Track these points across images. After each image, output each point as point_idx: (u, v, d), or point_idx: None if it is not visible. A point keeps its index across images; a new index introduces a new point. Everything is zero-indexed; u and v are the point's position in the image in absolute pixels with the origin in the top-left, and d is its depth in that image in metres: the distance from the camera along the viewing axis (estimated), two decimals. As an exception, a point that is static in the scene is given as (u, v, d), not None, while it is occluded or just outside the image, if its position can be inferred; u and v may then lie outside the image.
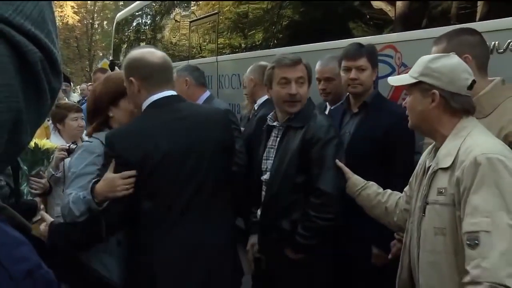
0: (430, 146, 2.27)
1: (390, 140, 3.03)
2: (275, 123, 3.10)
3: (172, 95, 2.48)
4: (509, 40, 2.73)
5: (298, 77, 2.93)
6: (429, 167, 2.12)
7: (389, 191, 2.59)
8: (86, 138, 2.86)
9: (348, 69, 3.20)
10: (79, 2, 35.28)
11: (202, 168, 2.43)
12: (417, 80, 2.11)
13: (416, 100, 2.14)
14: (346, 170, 2.76)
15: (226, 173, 2.58)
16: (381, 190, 2.62)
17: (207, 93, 4.25)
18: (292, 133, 2.95)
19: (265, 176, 3.07)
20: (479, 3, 3.13)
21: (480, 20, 3.03)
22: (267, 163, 3.09)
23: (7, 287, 0.86)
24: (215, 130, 2.49)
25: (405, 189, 2.47)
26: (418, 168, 2.31)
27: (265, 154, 3.13)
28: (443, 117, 2.09)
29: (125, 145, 2.39)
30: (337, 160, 2.78)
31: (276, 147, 3.05)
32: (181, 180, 2.39)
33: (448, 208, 1.96)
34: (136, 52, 2.51)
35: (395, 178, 2.87)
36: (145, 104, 2.45)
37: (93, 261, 2.62)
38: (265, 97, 3.87)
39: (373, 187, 2.65)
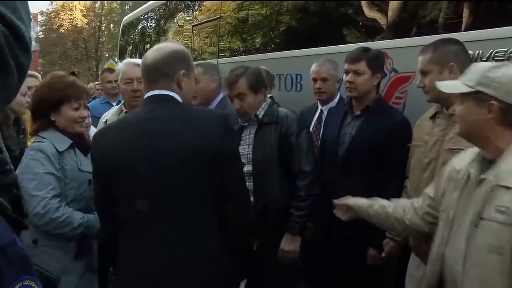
0: (472, 155, 2.01)
1: (390, 144, 2.99)
2: (246, 124, 3.24)
3: (154, 94, 2.13)
4: (491, 50, 2.74)
5: (235, 94, 3.14)
6: (481, 179, 1.87)
7: (393, 201, 2.46)
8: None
9: (347, 72, 3.17)
10: (88, 5, 35.23)
11: (166, 177, 2.03)
12: (473, 90, 1.85)
13: (470, 110, 1.89)
14: (346, 202, 2.59)
15: (203, 183, 2.05)
16: (385, 202, 2.47)
17: (221, 95, 4.05)
18: (267, 128, 3.15)
19: (249, 168, 3.11)
20: (464, 15, 3.13)
21: (465, 30, 3.03)
22: (243, 158, 3.04)
23: None
24: (191, 137, 2.02)
25: (427, 192, 2.28)
26: (455, 175, 2.04)
27: (240, 151, 3.00)
28: (498, 129, 1.84)
29: (97, 144, 2.22)
30: (335, 201, 2.62)
31: (252, 143, 3.18)
32: (139, 187, 2.05)
33: (509, 228, 1.73)
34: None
35: (391, 181, 2.88)
36: None
37: None
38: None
39: (378, 202, 2.52)
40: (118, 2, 35.92)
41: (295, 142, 3.07)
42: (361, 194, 2.57)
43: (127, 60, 3.69)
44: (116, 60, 13.71)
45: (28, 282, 1.00)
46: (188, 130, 2.04)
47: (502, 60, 2.72)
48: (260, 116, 3.18)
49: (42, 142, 2.59)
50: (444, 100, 2.51)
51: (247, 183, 2.84)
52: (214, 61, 6.78)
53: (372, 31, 4.01)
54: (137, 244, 2.06)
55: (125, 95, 3.43)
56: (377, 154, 3.03)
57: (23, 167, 2.53)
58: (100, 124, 3.69)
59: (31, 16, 0.95)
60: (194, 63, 2.86)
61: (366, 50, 3.20)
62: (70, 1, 34.28)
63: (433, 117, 2.63)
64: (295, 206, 3.04)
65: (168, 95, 2.11)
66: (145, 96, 2.16)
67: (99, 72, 31.28)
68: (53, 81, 2.68)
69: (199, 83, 3.46)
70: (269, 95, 3.57)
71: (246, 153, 3.17)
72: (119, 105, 3.82)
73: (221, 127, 2.08)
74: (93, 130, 4.58)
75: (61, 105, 2.62)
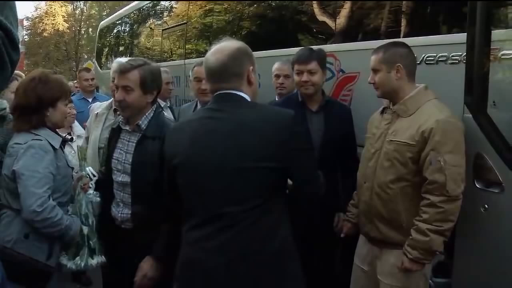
0: None
1: (352, 132, 3.19)
2: (127, 127, 2.68)
3: (222, 93, 1.96)
4: (423, 54, 2.80)
5: (123, 86, 2.55)
6: None
7: None
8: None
9: (300, 72, 3.14)
10: (69, 12, 34.78)
11: (220, 178, 1.87)
12: None
13: None
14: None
15: (259, 186, 1.86)
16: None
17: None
18: (149, 144, 2.56)
19: (119, 178, 2.65)
20: (403, 24, 3.19)
21: (403, 37, 3.08)
22: (119, 164, 2.67)
23: None
24: (250, 138, 1.85)
25: None
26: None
27: (116, 155, 2.70)
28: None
29: (169, 137, 2.12)
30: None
31: (131, 152, 2.61)
32: (195, 186, 1.94)
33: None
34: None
35: (355, 163, 2.88)
36: None
37: None
38: None
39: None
40: (97, 8, 35.38)
41: None
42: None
43: (120, 59, 3.57)
44: (94, 61, 13.48)
45: None
46: (250, 130, 1.87)
47: (432, 63, 2.79)
48: (143, 126, 2.59)
49: (41, 140, 2.46)
50: (391, 96, 2.57)
51: (120, 193, 2.65)
52: (181, 62, 6.76)
53: (323, 35, 4.04)
54: (200, 236, 1.91)
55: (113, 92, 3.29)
56: (349, 142, 3.17)
57: (23, 163, 2.38)
58: (93, 116, 3.76)
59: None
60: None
61: (314, 51, 3.21)
62: (53, 8, 33.68)
63: (382, 112, 2.67)
64: None
65: (235, 93, 1.94)
66: (214, 94, 1.99)
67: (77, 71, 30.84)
68: (51, 78, 2.58)
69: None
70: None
71: (123, 160, 2.63)
72: (110, 100, 3.80)
73: (286, 126, 1.88)
74: (76, 124, 4.51)
75: (58, 101, 2.55)
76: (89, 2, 35.56)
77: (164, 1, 8.07)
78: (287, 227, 1.95)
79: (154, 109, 2.65)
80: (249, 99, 1.97)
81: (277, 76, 3.81)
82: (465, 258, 2.59)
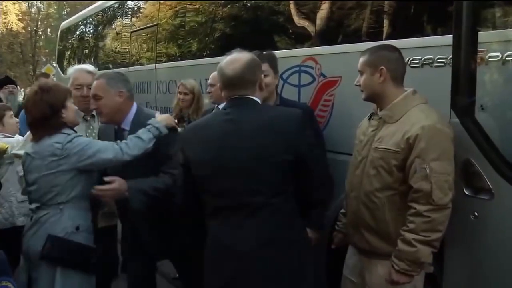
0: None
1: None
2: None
3: (236, 97, 2.33)
4: (408, 57, 2.84)
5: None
6: None
7: None
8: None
9: None
10: (23, 10, 33.90)
11: (244, 172, 2.24)
12: None
13: None
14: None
15: (278, 178, 2.26)
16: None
17: (135, 106, 3.16)
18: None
19: None
20: (385, 25, 3.25)
21: (386, 39, 3.13)
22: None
23: None
24: (268, 135, 2.23)
25: None
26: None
27: None
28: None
29: (184, 138, 2.55)
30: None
31: None
32: (222, 180, 2.28)
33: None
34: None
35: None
36: None
37: None
38: None
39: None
40: (55, 7, 34.75)
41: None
42: None
43: (79, 66, 3.71)
44: (54, 64, 13.29)
45: (5, 283, 1.00)
46: (265, 130, 2.24)
47: (418, 66, 2.86)
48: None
49: (69, 134, 2.84)
50: (376, 100, 2.63)
51: None
52: (152, 66, 6.71)
53: (302, 38, 4.06)
54: (228, 224, 2.29)
55: (75, 100, 3.32)
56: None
57: (81, 151, 2.76)
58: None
59: None
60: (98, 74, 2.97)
61: (264, 53, 3.24)
62: (4, 5, 32.88)
63: (370, 118, 2.71)
64: None
65: (248, 97, 2.33)
66: (228, 99, 2.37)
67: (35, 77, 30.32)
68: (50, 84, 2.96)
69: (100, 99, 3.01)
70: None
71: None
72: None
73: (296, 124, 2.26)
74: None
75: (66, 101, 2.87)
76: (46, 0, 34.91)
77: (132, 1, 8.00)
78: (299, 218, 2.37)
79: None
80: (260, 102, 2.39)
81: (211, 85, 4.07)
82: (455, 268, 2.63)
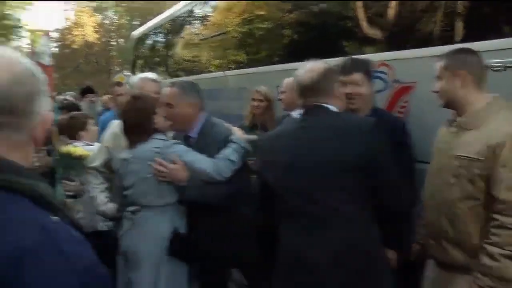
0: None
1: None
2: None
3: (312, 105, 2.38)
4: (489, 60, 2.69)
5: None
6: None
7: None
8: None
9: (343, 84, 2.95)
10: (98, 22, 35.45)
11: (320, 179, 2.26)
12: None
13: None
14: None
15: (354, 186, 2.26)
16: None
17: (204, 115, 3.16)
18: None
19: None
20: (457, 27, 3.13)
21: (459, 42, 3.00)
22: None
23: (69, 280, 0.92)
24: (341, 143, 2.25)
25: None
26: None
27: None
28: None
29: (262, 146, 2.60)
30: None
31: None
32: (297, 187, 2.31)
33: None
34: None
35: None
36: None
37: None
38: None
39: None
40: (128, 17, 36.03)
41: None
42: None
43: (143, 75, 3.75)
44: (127, 73, 13.76)
45: None
46: (337, 137, 2.26)
47: (500, 70, 2.72)
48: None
49: (167, 140, 3.03)
50: (455, 106, 2.52)
51: None
52: (221, 73, 6.80)
53: (373, 42, 3.98)
54: (303, 232, 2.28)
55: None
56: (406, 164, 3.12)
57: (189, 158, 2.89)
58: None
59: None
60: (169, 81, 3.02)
61: (358, 60, 3.16)
62: (82, 18, 34.47)
63: (448, 124, 2.61)
64: None
65: (323, 105, 2.36)
66: (303, 106, 2.42)
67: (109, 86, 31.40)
68: (139, 93, 3.21)
69: (172, 108, 3.05)
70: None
71: None
72: None
73: (368, 133, 2.27)
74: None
75: (156, 108, 3.02)
76: (120, 11, 36.23)
77: (202, 10, 8.15)
78: (376, 228, 2.33)
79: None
80: (336, 110, 2.39)
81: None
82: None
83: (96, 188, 3.37)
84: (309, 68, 2.40)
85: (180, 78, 7.82)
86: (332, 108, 2.38)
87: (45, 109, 1.12)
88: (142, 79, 3.67)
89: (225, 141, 2.98)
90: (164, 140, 2.96)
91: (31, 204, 0.98)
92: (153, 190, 2.90)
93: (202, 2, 7.89)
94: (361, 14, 4.03)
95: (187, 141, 3.15)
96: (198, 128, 3.10)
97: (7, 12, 27.80)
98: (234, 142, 2.96)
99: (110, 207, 3.29)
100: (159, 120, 3.00)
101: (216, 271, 3.29)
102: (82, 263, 0.95)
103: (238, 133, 3.05)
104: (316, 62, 2.44)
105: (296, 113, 3.99)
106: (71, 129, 3.97)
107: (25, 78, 1.06)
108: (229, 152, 2.90)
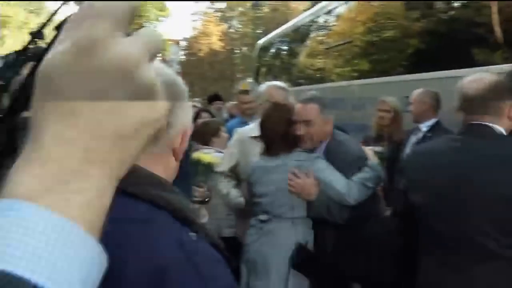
0: None
1: None
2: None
3: (473, 124, 2.03)
4: None
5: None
6: None
7: None
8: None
9: None
10: (224, 31, 36.87)
11: (460, 215, 1.95)
12: None
13: None
14: None
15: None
16: None
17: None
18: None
19: None
20: None
21: None
22: None
23: None
24: (500, 175, 1.89)
25: None
26: None
27: None
28: None
29: (410, 162, 2.38)
30: None
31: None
32: (436, 214, 2.05)
33: None
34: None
35: None
36: None
37: None
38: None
39: None
40: (252, 26, 37.07)
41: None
42: None
43: (271, 83, 3.75)
44: (250, 80, 14.12)
45: None
46: (502, 165, 1.92)
47: None
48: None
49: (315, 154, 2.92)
50: None
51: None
52: (347, 82, 6.81)
53: (508, 50, 3.81)
54: (449, 263, 1.99)
55: None
56: None
57: (327, 176, 2.80)
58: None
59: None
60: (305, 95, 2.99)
61: None
62: (209, 28, 36.08)
63: None
64: None
65: (487, 125, 1.99)
66: (465, 124, 2.08)
67: (233, 92, 32.38)
68: (278, 103, 3.13)
69: (311, 125, 2.92)
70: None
71: None
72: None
73: None
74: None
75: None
76: (245, 20, 37.39)
77: (327, 19, 8.24)
78: None
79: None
80: (504, 133, 2.00)
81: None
82: None
83: (228, 185, 3.40)
84: (475, 78, 2.07)
85: (303, 87, 7.96)
86: (499, 129, 1.99)
87: (185, 120, 1.08)
88: (271, 87, 3.67)
89: (356, 162, 2.87)
90: (308, 152, 2.90)
91: (171, 219, 0.95)
92: (288, 201, 2.86)
93: (326, 11, 7.98)
94: (495, 19, 3.88)
95: None
96: (324, 146, 2.99)
97: (144, 25, 30.03)
98: (372, 168, 2.85)
99: (242, 201, 3.30)
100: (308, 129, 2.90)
101: None
102: (218, 285, 0.93)
103: (371, 157, 2.97)
104: (485, 73, 2.15)
105: (424, 126, 3.94)
106: (205, 135, 3.98)
107: (165, 87, 1.07)
108: (366, 178, 2.81)
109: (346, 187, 2.75)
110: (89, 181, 0.37)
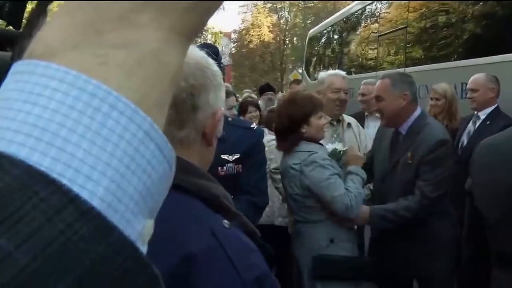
0: None
1: None
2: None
3: None
4: None
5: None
6: None
7: None
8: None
9: None
10: (274, 22, 36.83)
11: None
12: None
13: None
14: None
15: None
16: None
17: (418, 111, 2.93)
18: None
19: None
20: None
21: None
22: None
23: None
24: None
25: None
26: None
27: None
28: None
29: (478, 156, 1.98)
30: None
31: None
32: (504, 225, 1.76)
33: None
34: None
35: None
36: None
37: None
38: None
39: None
40: (301, 17, 36.88)
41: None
42: None
43: (333, 71, 3.77)
44: (300, 71, 14.10)
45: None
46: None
47: None
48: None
49: (316, 152, 2.73)
50: None
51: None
52: (401, 70, 6.69)
53: None
54: None
55: (329, 104, 3.43)
56: None
57: (313, 178, 2.68)
58: None
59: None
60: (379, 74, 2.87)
61: None
62: (259, 19, 36.08)
63: None
64: None
65: None
66: None
67: (283, 83, 32.57)
68: (298, 97, 2.83)
69: (382, 101, 2.90)
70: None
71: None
72: None
73: None
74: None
75: (310, 117, 2.74)
76: (294, 11, 37.22)
77: (378, 5, 8.11)
78: None
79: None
80: None
81: None
82: None
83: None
84: None
85: (353, 76, 7.86)
86: None
87: (217, 104, 1.03)
88: (333, 74, 3.69)
89: (436, 145, 2.70)
90: (309, 152, 2.72)
91: (202, 206, 0.93)
92: (301, 207, 2.81)
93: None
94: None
95: (396, 137, 2.96)
96: (409, 124, 2.88)
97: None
98: (354, 173, 2.76)
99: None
100: (310, 131, 2.77)
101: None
102: (252, 274, 0.90)
103: (354, 161, 2.86)
104: None
105: (482, 114, 3.82)
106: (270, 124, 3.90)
107: (194, 70, 0.99)
108: (356, 186, 2.71)
109: (343, 196, 2.63)
110: (138, 33, 0.27)
